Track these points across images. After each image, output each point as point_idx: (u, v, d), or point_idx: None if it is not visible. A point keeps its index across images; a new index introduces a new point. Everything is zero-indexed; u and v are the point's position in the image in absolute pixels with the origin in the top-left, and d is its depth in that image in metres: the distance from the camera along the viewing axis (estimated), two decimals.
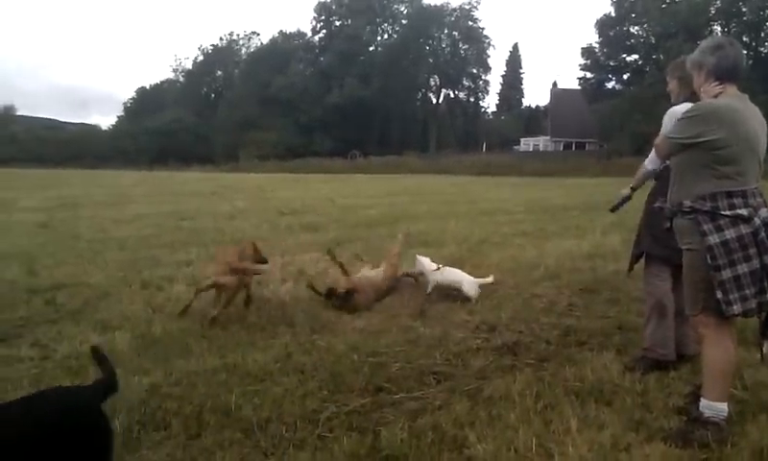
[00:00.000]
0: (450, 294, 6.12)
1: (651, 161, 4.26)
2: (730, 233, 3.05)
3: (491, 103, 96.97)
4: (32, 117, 74.77)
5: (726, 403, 3.20)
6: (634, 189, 4.55)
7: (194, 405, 3.51)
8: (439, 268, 6.24)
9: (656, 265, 4.34)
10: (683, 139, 3.21)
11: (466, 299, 5.97)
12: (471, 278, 6.21)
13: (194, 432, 3.23)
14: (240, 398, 3.61)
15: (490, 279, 6.35)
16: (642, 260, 4.47)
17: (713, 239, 3.07)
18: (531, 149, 62.16)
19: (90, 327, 5.13)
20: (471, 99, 77.20)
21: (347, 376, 4.00)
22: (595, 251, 8.63)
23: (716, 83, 3.26)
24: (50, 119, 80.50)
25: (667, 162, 4.07)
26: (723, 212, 3.07)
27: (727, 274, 3.04)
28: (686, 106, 3.82)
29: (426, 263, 6.28)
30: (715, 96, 3.26)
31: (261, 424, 3.29)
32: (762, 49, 44.70)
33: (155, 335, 4.90)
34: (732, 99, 3.21)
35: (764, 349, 4.29)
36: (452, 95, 75.92)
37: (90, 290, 6.43)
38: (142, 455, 2.96)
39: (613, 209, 4.80)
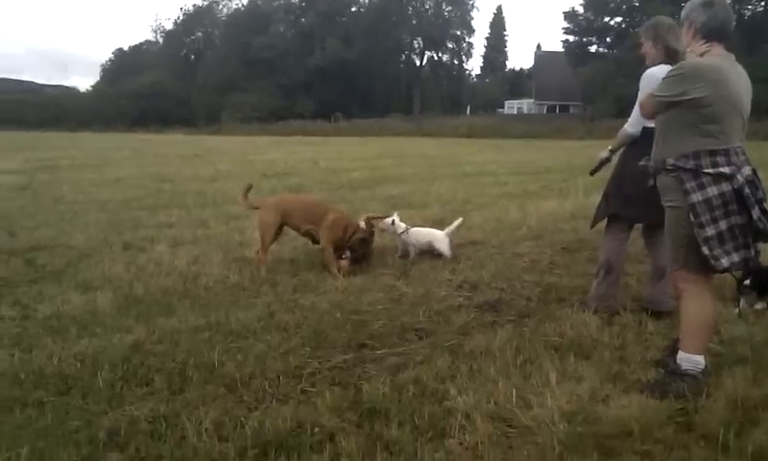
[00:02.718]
0: (425, 252, 6.14)
1: (632, 125, 4.30)
2: (712, 191, 3.08)
3: (475, 65, 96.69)
4: (9, 79, 73.32)
5: (703, 356, 3.27)
6: (613, 152, 4.61)
7: (177, 362, 3.52)
8: (407, 229, 6.18)
9: (617, 226, 4.51)
10: (668, 97, 3.21)
11: (441, 255, 6.02)
12: (440, 232, 6.21)
13: (177, 388, 3.24)
14: (223, 354, 3.61)
15: (458, 222, 6.33)
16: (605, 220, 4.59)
17: (696, 197, 3.10)
18: (515, 112, 62.14)
19: (72, 287, 5.10)
20: (455, 61, 76.59)
21: (329, 333, 4.02)
22: (577, 211, 8.69)
23: (703, 41, 3.25)
24: (28, 82, 78.83)
25: (645, 125, 4.12)
26: (705, 170, 3.09)
27: (710, 230, 3.07)
28: (663, 68, 3.84)
29: (395, 225, 6.19)
30: (701, 55, 3.25)
31: (244, 380, 3.31)
32: (745, 12, 44.61)
33: (137, 295, 4.88)
34: (718, 58, 3.20)
35: (741, 304, 4.41)
36: (436, 57, 75.22)
37: (71, 251, 6.37)
38: (125, 411, 2.96)
39: (593, 172, 4.87)
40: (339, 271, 5.48)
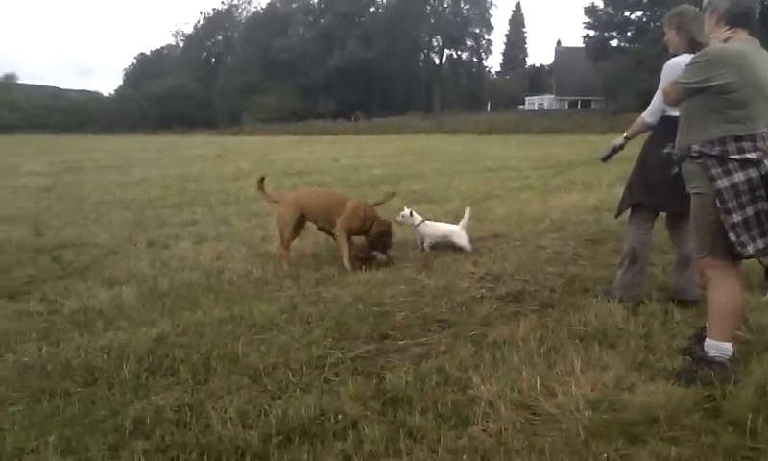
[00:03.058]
0: (442, 246, 6.14)
1: (650, 114, 4.26)
2: (738, 177, 3.03)
3: (494, 63, 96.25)
4: (33, 85, 74.43)
5: (731, 343, 3.22)
6: (627, 139, 4.56)
7: (201, 353, 3.55)
8: (424, 221, 6.19)
9: (641, 216, 4.47)
10: (692, 84, 3.16)
11: (461, 248, 6.01)
12: (456, 226, 6.20)
13: (202, 378, 3.27)
14: (247, 346, 3.64)
15: (468, 212, 6.29)
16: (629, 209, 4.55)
17: (722, 183, 3.05)
18: (536, 107, 61.70)
19: (97, 282, 5.17)
20: (474, 59, 76.42)
21: (352, 324, 4.03)
22: (601, 204, 8.59)
23: (727, 28, 3.21)
24: (52, 87, 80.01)
25: (666, 114, 4.08)
26: (732, 156, 3.04)
27: (737, 217, 3.02)
28: (686, 57, 3.79)
29: (413, 217, 6.20)
30: (725, 41, 3.21)
31: (268, 370, 3.33)
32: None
33: (161, 289, 4.93)
34: (742, 44, 3.16)
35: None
36: (455, 55, 75.07)
37: (96, 249, 6.47)
38: (151, 400, 2.99)
39: (605, 159, 4.81)
40: (350, 262, 5.52)
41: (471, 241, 6.15)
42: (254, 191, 6.02)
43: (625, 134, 4.56)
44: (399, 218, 6.18)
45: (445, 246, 6.14)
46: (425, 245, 6.17)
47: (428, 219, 6.34)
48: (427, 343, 3.74)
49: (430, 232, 6.18)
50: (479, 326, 4.01)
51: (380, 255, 5.80)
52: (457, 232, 6.13)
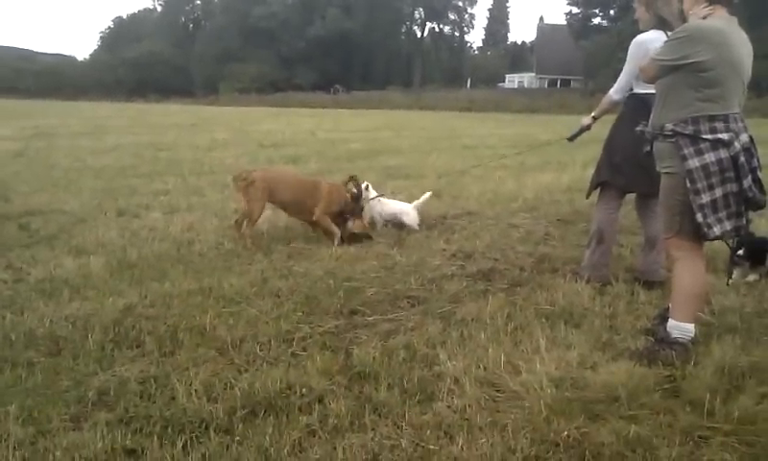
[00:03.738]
0: (394, 224, 6.10)
1: (616, 91, 4.31)
2: (709, 157, 3.05)
3: (476, 38, 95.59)
4: (4, 47, 72.36)
5: (693, 325, 3.28)
6: (595, 119, 4.60)
7: (168, 325, 3.53)
8: (378, 198, 6.12)
9: (608, 195, 4.51)
10: (670, 61, 3.16)
11: (410, 228, 5.97)
12: (409, 205, 6.16)
13: (168, 350, 3.25)
14: (215, 319, 3.62)
15: (427, 195, 6.28)
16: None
17: (693, 163, 3.07)
18: (516, 86, 61.62)
19: (65, 251, 5.09)
20: (457, 33, 76.00)
21: (322, 299, 4.03)
22: (574, 184, 8.64)
23: (705, 4, 3.19)
24: (24, 49, 77.87)
25: (634, 92, 4.12)
26: (704, 136, 3.06)
27: (706, 197, 3.05)
28: (652, 34, 3.83)
29: (368, 191, 6.04)
30: (703, 18, 3.20)
31: (235, 343, 3.32)
32: None
33: (130, 260, 4.88)
34: (721, 21, 3.14)
35: (734, 275, 4.42)
36: (437, 29, 74.60)
37: (65, 217, 6.37)
38: (115, 372, 2.97)
39: (572, 138, 4.88)
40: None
41: (421, 223, 6.10)
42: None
43: (593, 114, 4.60)
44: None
45: (396, 225, 6.10)
46: (378, 225, 6.09)
47: (382, 195, 6.27)
48: (396, 319, 3.76)
49: (380, 210, 6.10)
50: (448, 303, 4.03)
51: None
52: (407, 211, 6.06)
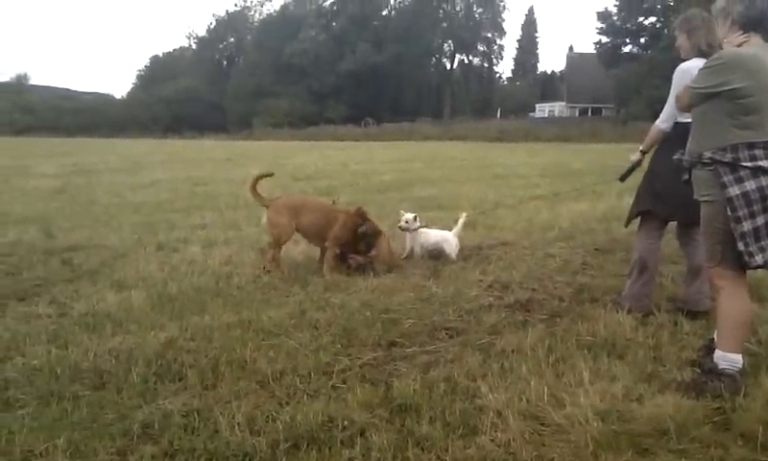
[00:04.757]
0: (431, 254, 6.11)
1: (663, 121, 4.25)
2: (750, 185, 3.01)
3: (506, 68, 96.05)
4: (46, 86, 74.92)
5: (740, 355, 3.20)
6: (644, 153, 4.53)
7: (209, 358, 3.56)
8: (422, 227, 6.14)
9: (650, 224, 4.45)
10: (706, 89, 3.15)
11: (448, 258, 5.98)
12: (450, 233, 6.17)
13: (210, 383, 3.27)
14: (255, 351, 3.64)
15: (463, 218, 6.29)
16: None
17: (734, 191, 3.03)
18: (546, 115, 61.52)
19: (107, 286, 5.19)
20: (486, 64, 76.45)
21: (360, 331, 4.03)
22: (610, 213, 8.56)
23: (741, 32, 3.18)
24: (64, 89, 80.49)
25: (678, 120, 4.07)
26: (744, 164, 3.02)
27: (747, 225, 3.00)
28: (697, 62, 3.78)
29: (416, 221, 6.10)
30: (738, 46, 3.19)
31: (276, 376, 3.33)
32: None
33: (170, 293, 4.94)
34: (756, 48, 3.13)
35: None
36: (466, 60, 75.15)
37: (106, 251, 6.50)
38: (159, 405, 3.00)
39: (623, 178, 4.78)
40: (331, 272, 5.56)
41: (460, 251, 6.13)
42: (248, 189, 5.98)
43: (641, 148, 4.52)
44: (403, 223, 6.10)
45: (434, 254, 6.12)
46: (416, 253, 6.12)
47: (425, 226, 6.30)
48: (435, 351, 3.74)
49: (423, 240, 6.14)
50: (487, 334, 4.00)
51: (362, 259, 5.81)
52: (448, 239, 6.10)
